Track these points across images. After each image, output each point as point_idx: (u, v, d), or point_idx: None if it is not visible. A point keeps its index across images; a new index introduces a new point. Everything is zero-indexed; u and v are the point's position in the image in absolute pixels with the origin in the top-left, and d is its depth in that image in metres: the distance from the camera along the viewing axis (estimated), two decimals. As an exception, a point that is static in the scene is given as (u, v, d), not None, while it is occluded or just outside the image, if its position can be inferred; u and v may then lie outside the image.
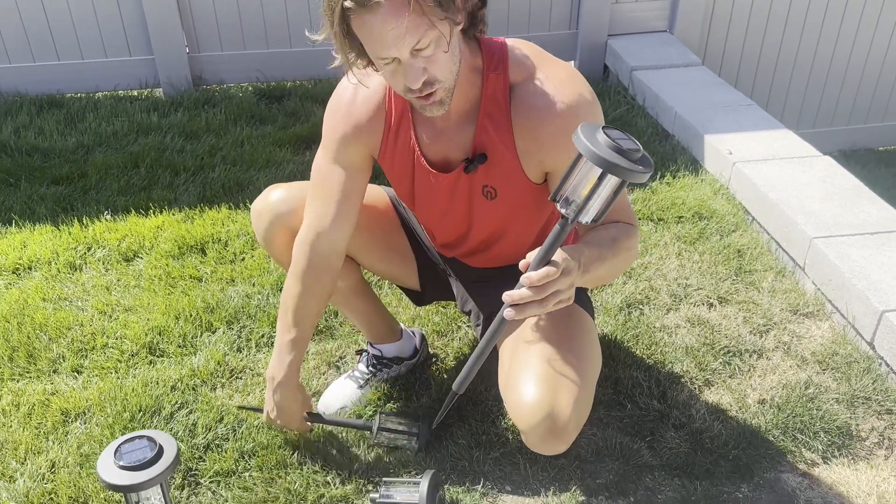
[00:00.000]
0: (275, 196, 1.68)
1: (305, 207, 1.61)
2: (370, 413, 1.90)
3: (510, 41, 1.43)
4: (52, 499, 1.69)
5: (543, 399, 1.38)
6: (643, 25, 3.97)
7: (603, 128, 1.12)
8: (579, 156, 1.11)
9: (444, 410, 1.55)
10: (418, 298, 1.97)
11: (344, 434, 1.84)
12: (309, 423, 1.76)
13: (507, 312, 1.22)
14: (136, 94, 3.79)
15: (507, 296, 1.22)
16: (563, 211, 1.18)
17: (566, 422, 1.38)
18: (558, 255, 1.22)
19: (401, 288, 2.00)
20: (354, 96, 1.51)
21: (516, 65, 1.40)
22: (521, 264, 1.23)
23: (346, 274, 1.76)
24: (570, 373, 1.42)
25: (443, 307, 2.24)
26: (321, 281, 1.63)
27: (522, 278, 1.20)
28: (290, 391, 1.66)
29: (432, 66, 1.26)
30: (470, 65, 1.39)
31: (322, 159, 1.58)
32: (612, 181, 1.11)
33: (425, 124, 1.48)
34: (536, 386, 1.40)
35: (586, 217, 1.17)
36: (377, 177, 1.95)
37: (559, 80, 1.38)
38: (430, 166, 1.51)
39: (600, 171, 1.09)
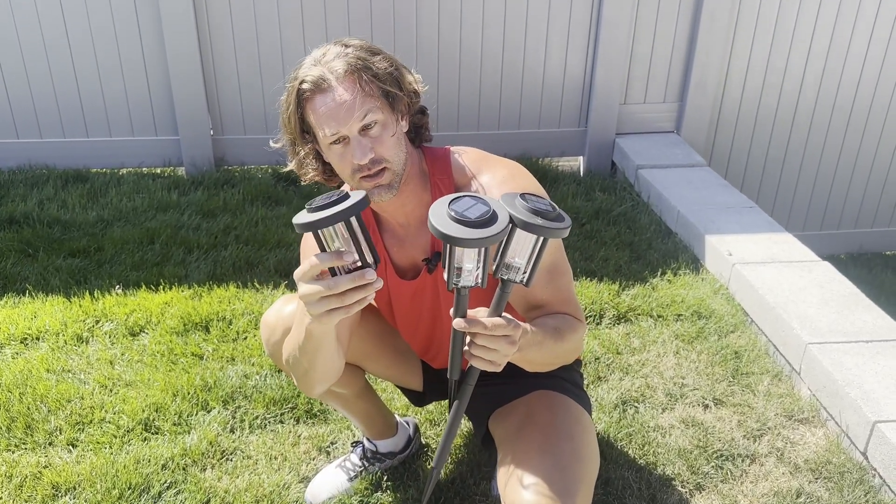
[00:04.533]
0: (288, 310, 1.66)
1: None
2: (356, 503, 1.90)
3: (454, 148, 1.53)
4: (33, 575, 1.69)
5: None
6: (651, 126, 4.09)
7: (519, 196, 1.20)
8: (512, 226, 1.18)
9: (427, 489, 1.54)
10: (419, 399, 1.95)
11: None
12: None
13: None
14: (159, 171, 3.93)
15: (460, 323, 1.19)
16: (501, 277, 1.22)
17: None
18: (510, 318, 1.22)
19: (401, 389, 2.00)
20: None
21: (459, 170, 1.50)
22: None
23: (350, 382, 1.76)
24: (571, 476, 1.42)
25: (437, 396, 2.25)
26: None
27: (480, 318, 1.19)
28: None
29: (379, 146, 1.36)
30: (419, 169, 1.49)
31: None
32: (531, 238, 1.19)
33: (391, 238, 1.55)
34: (537, 490, 1.39)
35: (518, 276, 1.21)
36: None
37: (501, 178, 1.46)
38: (402, 276, 1.57)
39: (528, 234, 1.17)
